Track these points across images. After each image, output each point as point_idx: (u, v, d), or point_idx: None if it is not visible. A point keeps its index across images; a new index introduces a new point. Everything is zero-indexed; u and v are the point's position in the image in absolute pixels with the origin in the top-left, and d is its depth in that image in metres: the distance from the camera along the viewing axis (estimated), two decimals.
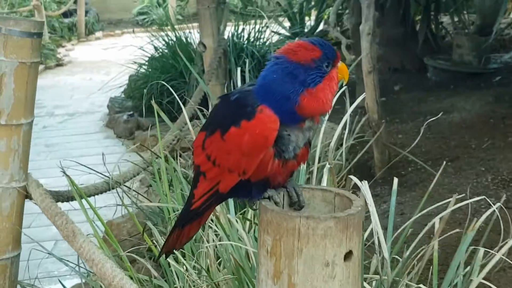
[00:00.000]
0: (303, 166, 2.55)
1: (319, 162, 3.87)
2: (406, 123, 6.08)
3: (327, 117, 1.61)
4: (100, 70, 11.60)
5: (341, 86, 3.01)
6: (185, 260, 2.55)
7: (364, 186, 2.07)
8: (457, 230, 2.64)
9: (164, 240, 1.65)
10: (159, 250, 1.68)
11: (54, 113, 9.09)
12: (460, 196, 2.48)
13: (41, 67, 12.30)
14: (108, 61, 11.73)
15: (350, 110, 2.86)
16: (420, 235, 2.41)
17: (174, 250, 1.72)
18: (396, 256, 2.44)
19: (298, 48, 1.45)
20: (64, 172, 2.86)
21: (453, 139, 5.47)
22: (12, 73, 2.63)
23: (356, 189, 4.43)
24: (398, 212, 4.37)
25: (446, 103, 6.42)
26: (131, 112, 7.81)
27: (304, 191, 1.50)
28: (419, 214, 2.58)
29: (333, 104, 1.47)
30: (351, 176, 2.07)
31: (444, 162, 3.50)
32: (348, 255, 1.34)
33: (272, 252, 1.35)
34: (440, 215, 2.33)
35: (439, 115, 4.44)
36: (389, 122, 6.02)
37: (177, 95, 6.93)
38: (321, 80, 1.42)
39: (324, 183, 2.22)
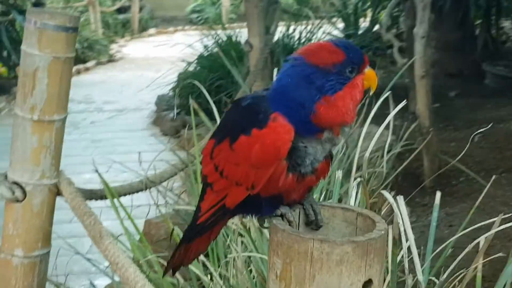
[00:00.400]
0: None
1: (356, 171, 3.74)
2: (459, 131, 5.88)
3: (351, 130, 1.46)
4: (151, 67, 11.59)
5: (377, 92, 2.86)
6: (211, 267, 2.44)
7: (400, 201, 1.89)
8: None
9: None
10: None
11: (103, 108, 9.11)
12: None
13: (93, 62, 12.39)
14: (160, 58, 11.72)
15: (391, 114, 2.68)
16: (462, 255, 2.24)
17: (183, 266, 1.59)
18: (433, 278, 2.26)
19: (319, 49, 1.30)
20: (96, 171, 2.77)
21: (509, 149, 5.26)
22: (45, 68, 2.54)
23: (405, 198, 4.29)
24: (447, 224, 4.20)
25: (504, 111, 6.18)
26: (178, 110, 7.76)
27: (323, 209, 1.37)
28: (467, 229, 2.41)
29: (356, 114, 1.32)
30: (383, 192, 1.89)
31: (498, 174, 3.31)
32: (367, 284, 1.21)
33: (281, 276, 1.23)
34: (485, 235, 2.15)
35: (490, 124, 4.24)
36: (441, 129, 5.83)
37: (225, 95, 6.88)
38: (342, 87, 1.27)
39: (352, 198, 2.04)
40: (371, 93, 1.33)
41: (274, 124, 1.27)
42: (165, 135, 7.48)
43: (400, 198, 1.80)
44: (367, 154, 2.32)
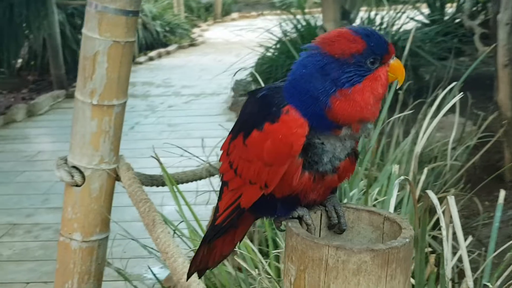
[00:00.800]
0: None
1: (435, 161, 3.57)
2: None
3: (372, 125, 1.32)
4: (231, 52, 11.57)
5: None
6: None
7: (451, 201, 1.74)
8: None
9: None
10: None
11: (180, 92, 9.15)
12: None
13: (174, 46, 12.48)
14: (240, 43, 11.69)
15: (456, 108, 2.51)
16: None
17: (208, 270, 1.50)
18: (488, 284, 2.08)
19: (337, 38, 1.18)
20: (154, 157, 2.73)
21: None
22: (105, 52, 2.53)
23: (485, 191, 4.08)
24: None
25: None
26: None
27: (347, 211, 1.26)
28: None
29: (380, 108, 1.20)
30: (428, 191, 1.73)
31: None
32: None
33: (295, 284, 1.12)
34: None
35: None
36: None
37: None
38: (361, 79, 1.15)
39: (393, 199, 1.87)
40: (398, 86, 1.21)
41: (286, 118, 1.17)
42: None
43: (451, 199, 1.65)
44: (418, 148, 2.13)
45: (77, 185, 2.63)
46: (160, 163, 2.73)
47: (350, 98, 1.15)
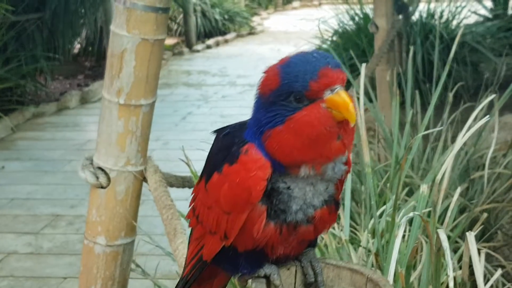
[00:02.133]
0: None
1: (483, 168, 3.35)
2: None
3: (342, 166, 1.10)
4: (290, 41, 11.43)
5: None
6: None
7: (470, 238, 1.49)
8: None
9: None
10: None
11: (235, 82, 9.05)
12: None
13: (233, 34, 12.40)
14: (300, 33, 11.53)
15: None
16: None
17: None
18: None
19: (266, 73, 1.03)
20: (183, 160, 2.61)
21: None
22: (133, 50, 2.41)
23: None
24: None
25: None
26: None
27: (326, 268, 1.10)
28: None
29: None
30: (440, 231, 1.48)
31: None
32: None
33: None
34: None
35: None
36: None
37: (357, 75, 6.57)
38: (283, 120, 0.99)
39: (399, 239, 1.62)
40: (351, 125, 1.00)
41: (245, 158, 1.03)
42: None
43: (471, 235, 1.42)
44: (447, 166, 1.86)
45: (102, 187, 2.54)
46: (189, 166, 2.60)
47: (275, 140, 1.00)
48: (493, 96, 2.62)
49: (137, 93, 2.47)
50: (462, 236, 3.09)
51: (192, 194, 1.19)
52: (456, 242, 2.92)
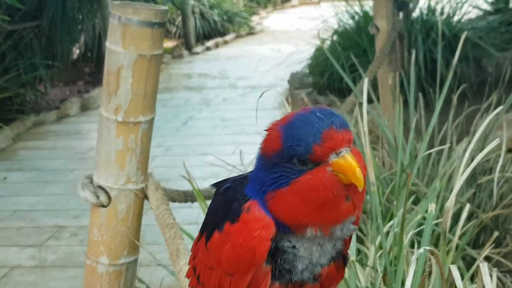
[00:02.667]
0: None
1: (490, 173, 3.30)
2: None
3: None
4: (290, 41, 11.37)
5: None
6: None
7: (483, 269, 1.34)
8: None
9: None
10: None
11: (236, 85, 9.00)
12: None
13: (232, 35, 12.34)
14: (300, 32, 11.47)
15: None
16: None
17: None
18: None
19: (268, 131, 0.99)
20: (184, 177, 2.56)
21: None
22: (130, 67, 2.37)
23: None
24: None
25: None
26: (310, 89, 7.49)
27: None
28: None
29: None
30: (452, 267, 1.35)
31: None
32: None
33: None
34: None
35: None
36: None
37: (360, 75, 6.51)
38: (288, 182, 0.95)
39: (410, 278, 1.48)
40: (359, 189, 0.95)
41: (247, 217, 0.97)
42: None
43: (484, 265, 1.33)
44: (458, 185, 1.68)
45: (103, 206, 2.50)
46: (189, 181, 2.55)
47: (279, 202, 0.95)
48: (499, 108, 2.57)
49: (135, 110, 2.42)
50: (470, 243, 3.05)
51: (191, 251, 1.13)
52: (464, 249, 2.88)
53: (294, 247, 0.99)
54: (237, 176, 1.07)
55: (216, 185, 1.09)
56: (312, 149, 0.93)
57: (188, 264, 1.15)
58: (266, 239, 0.96)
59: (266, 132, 0.99)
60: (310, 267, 1.01)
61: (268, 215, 0.97)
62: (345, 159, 0.93)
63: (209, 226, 1.05)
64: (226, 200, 1.02)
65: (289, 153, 0.94)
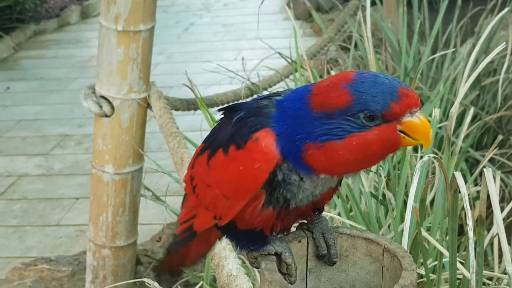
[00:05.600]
0: None
1: (494, 75, 3.27)
2: None
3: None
4: None
5: None
6: None
7: (488, 175, 1.37)
8: None
9: None
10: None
11: None
12: None
13: None
14: None
15: None
16: None
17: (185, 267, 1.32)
18: None
19: (326, 87, 0.96)
20: (186, 85, 2.55)
21: None
22: None
23: None
24: None
25: None
26: None
27: (340, 238, 1.04)
28: None
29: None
30: (456, 173, 1.34)
31: None
32: None
33: None
34: None
35: None
36: None
37: None
38: (344, 136, 0.94)
39: (416, 179, 1.50)
40: (423, 150, 0.97)
41: (252, 147, 0.96)
42: (298, 19, 7.13)
43: (488, 172, 1.36)
44: (460, 92, 1.69)
45: (106, 116, 2.51)
46: (192, 90, 2.54)
47: (324, 152, 0.95)
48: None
49: (135, 19, 2.39)
50: (473, 145, 3.06)
51: (193, 158, 1.12)
52: (467, 151, 2.90)
53: (301, 179, 1.00)
54: (250, 103, 1.05)
55: (226, 110, 1.07)
56: (389, 106, 0.93)
57: (187, 170, 1.16)
58: (265, 172, 0.97)
59: (320, 87, 0.97)
60: (310, 196, 1.03)
61: (276, 150, 0.97)
62: (421, 119, 0.94)
63: (214, 143, 1.05)
64: (238, 121, 1.01)
65: (360, 108, 0.93)
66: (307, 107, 0.97)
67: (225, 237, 1.11)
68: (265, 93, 1.94)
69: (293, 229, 1.10)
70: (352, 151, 0.94)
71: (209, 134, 1.09)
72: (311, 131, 0.95)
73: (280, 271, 0.99)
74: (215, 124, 1.10)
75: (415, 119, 0.94)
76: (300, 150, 0.96)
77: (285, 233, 1.07)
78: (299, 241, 1.05)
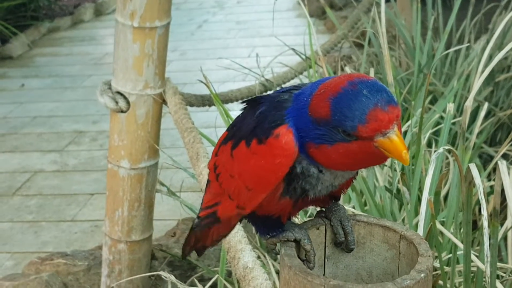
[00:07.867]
0: None
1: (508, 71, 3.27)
2: None
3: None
4: None
5: None
6: None
7: (502, 167, 1.37)
8: None
9: None
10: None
11: None
12: None
13: None
14: None
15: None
16: None
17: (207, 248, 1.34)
18: None
19: (318, 94, 0.97)
20: (201, 81, 2.56)
21: None
22: None
23: None
24: None
25: None
26: None
27: (358, 225, 1.06)
28: None
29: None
30: (471, 165, 1.36)
31: None
32: None
33: None
34: None
35: None
36: None
37: None
38: (332, 143, 0.96)
39: (431, 171, 1.51)
40: (405, 164, 0.98)
41: (273, 142, 0.98)
42: (311, 16, 7.13)
43: (503, 164, 1.37)
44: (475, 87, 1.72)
45: (122, 111, 2.53)
46: (207, 85, 2.55)
47: (320, 153, 0.98)
48: None
49: (151, 15, 2.41)
50: (487, 141, 3.07)
51: (217, 145, 1.14)
52: (481, 147, 2.90)
53: (320, 171, 1.02)
54: (272, 96, 1.06)
55: (250, 102, 1.09)
56: (357, 129, 0.93)
57: (211, 156, 1.18)
58: (286, 166, 0.99)
59: (320, 90, 0.98)
60: (330, 187, 1.05)
61: (296, 145, 0.99)
62: (391, 141, 0.93)
63: (237, 134, 1.07)
64: (262, 113, 1.03)
65: (335, 125, 0.95)
66: (307, 108, 0.99)
67: (247, 220, 1.14)
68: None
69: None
70: (343, 157, 0.97)
71: (232, 123, 1.11)
72: (309, 131, 0.98)
73: (299, 257, 1.01)
74: (239, 113, 1.11)
75: (386, 141, 0.93)
76: (304, 146, 0.99)
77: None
78: (317, 228, 1.07)
